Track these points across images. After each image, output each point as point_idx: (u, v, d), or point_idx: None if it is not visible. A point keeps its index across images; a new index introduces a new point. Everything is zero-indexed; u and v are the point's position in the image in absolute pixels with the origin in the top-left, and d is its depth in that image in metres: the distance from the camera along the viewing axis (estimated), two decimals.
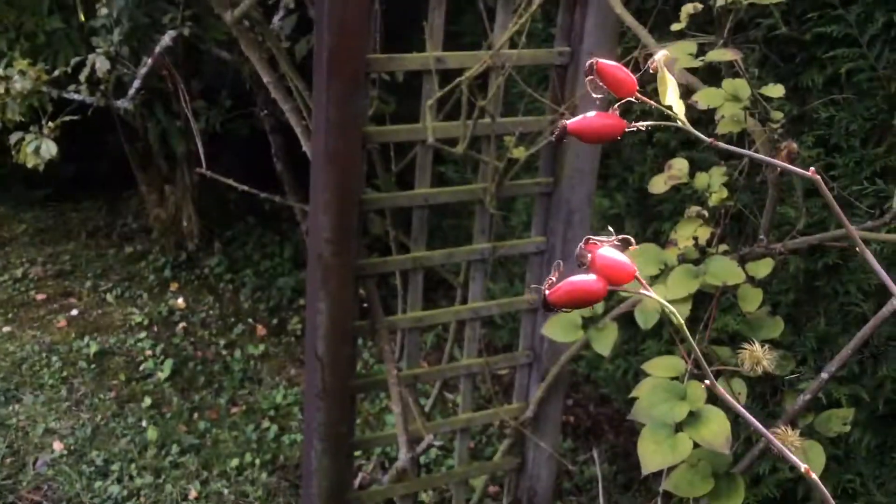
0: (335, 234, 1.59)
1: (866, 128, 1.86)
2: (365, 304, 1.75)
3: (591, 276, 0.54)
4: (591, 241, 0.56)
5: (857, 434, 1.89)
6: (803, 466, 0.57)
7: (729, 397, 0.55)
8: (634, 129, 0.59)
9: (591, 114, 0.59)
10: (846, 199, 1.91)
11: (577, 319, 1.53)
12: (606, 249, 0.56)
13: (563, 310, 0.55)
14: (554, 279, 0.56)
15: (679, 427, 1.21)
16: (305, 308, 1.78)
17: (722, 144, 0.60)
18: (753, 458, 1.47)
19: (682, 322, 0.53)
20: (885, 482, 1.89)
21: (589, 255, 0.56)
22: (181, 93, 2.15)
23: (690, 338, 0.55)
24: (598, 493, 1.99)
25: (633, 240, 0.56)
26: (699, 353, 0.58)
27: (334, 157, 1.53)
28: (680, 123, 0.59)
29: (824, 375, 1.38)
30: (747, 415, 0.55)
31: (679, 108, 0.58)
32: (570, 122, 0.60)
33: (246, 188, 1.91)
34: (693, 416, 1.21)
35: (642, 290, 0.56)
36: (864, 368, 1.89)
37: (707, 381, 0.56)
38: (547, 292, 0.55)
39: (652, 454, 1.16)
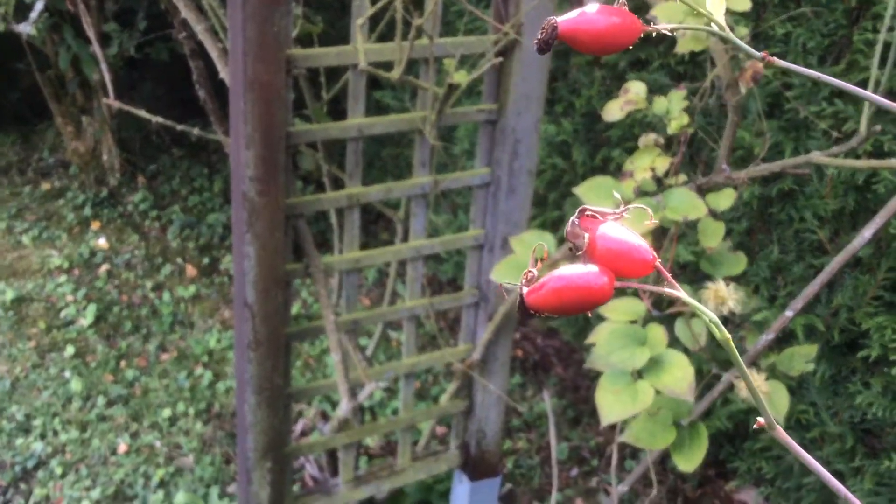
0: (260, 171, 1.44)
1: (824, 45, 1.76)
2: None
3: (590, 268, 0.39)
4: (587, 213, 0.40)
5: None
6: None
7: (795, 446, 0.43)
8: (653, 31, 0.43)
9: (592, 6, 0.41)
10: (803, 121, 1.82)
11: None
12: (612, 226, 0.40)
13: (545, 316, 0.39)
14: (534, 271, 0.39)
15: (639, 374, 1.12)
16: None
17: (780, 62, 0.47)
18: (712, 401, 1.40)
19: (729, 338, 0.40)
20: (838, 412, 1.86)
21: (586, 236, 0.39)
22: (84, 14, 1.94)
23: (738, 356, 0.42)
24: (549, 431, 1.92)
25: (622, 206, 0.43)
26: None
27: (255, 84, 1.36)
28: (716, 28, 0.45)
29: (789, 314, 1.30)
30: (812, 461, 0.43)
31: (718, 10, 0.44)
32: (564, 20, 0.42)
33: (161, 119, 1.73)
34: (654, 362, 1.12)
35: (669, 289, 0.40)
36: (819, 297, 1.84)
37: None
38: (525, 291, 0.39)
39: (611, 404, 1.07)
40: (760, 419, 0.42)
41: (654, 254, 0.40)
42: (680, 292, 0.40)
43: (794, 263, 1.90)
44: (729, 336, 0.40)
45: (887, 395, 1.73)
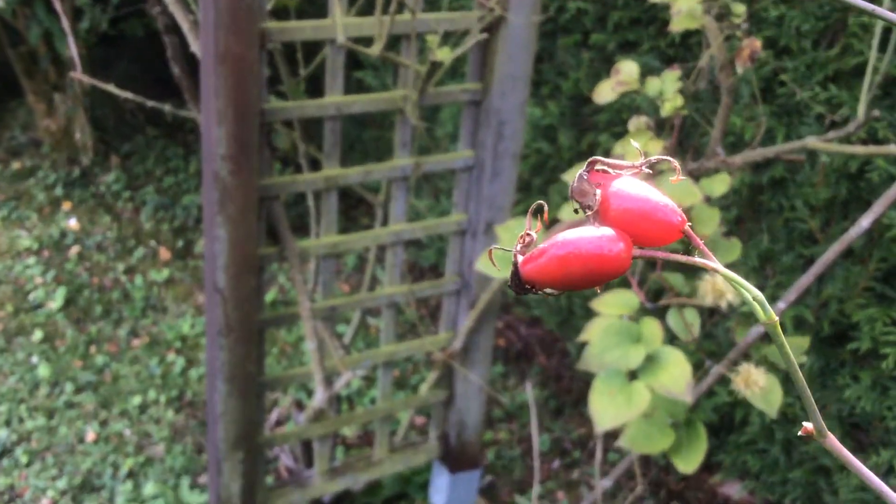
0: (233, 150, 1.37)
1: (819, 28, 1.71)
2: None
3: (603, 230, 0.32)
4: (599, 165, 0.34)
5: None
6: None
7: (846, 453, 0.38)
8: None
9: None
10: (795, 106, 1.77)
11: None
12: (630, 181, 0.33)
13: (547, 292, 0.32)
14: (533, 234, 0.33)
15: (633, 374, 1.07)
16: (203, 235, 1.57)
17: None
18: (700, 394, 1.35)
19: (774, 315, 0.33)
20: (826, 405, 1.82)
21: (597, 192, 0.33)
22: None
23: (797, 368, 0.36)
24: (531, 422, 1.87)
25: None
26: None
27: (227, 58, 1.29)
28: None
29: (781, 305, 1.26)
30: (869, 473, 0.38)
31: None
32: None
33: (130, 95, 1.65)
34: (650, 361, 1.06)
35: (701, 260, 0.33)
36: (809, 289, 1.79)
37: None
38: (520, 259, 0.33)
39: (605, 407, 1.01)
40: (807, 424, 0.37)
41: (683, 216, 0.33)
42: (716, 264, 0.33)
43: (784, 253, 1.85)
44: (777, 319, 0.34)
45: (876, 388, 1.69)
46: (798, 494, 1.92)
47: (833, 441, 0.36)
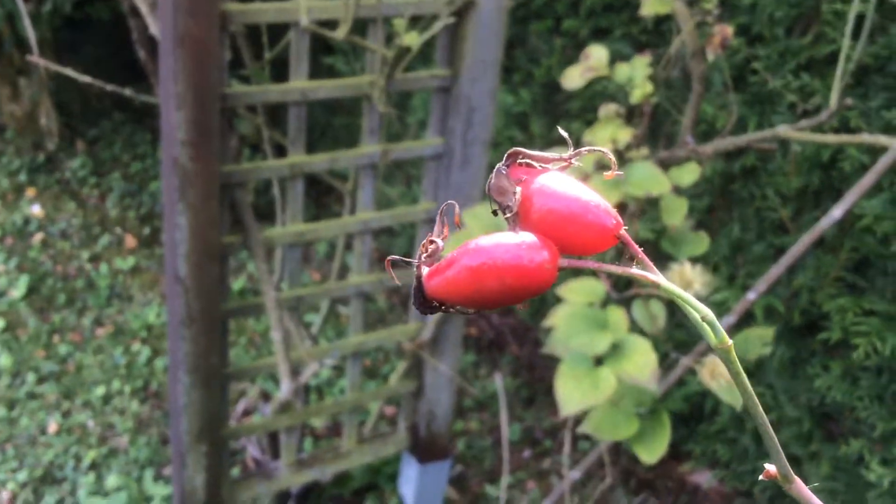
0: (193, 135, 1.33)
1: (792, 15, 1.70)
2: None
3: (524, 237, 0.28)
4: (521, 158, 0.29)
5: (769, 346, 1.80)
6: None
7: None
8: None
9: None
10: (767, 95, 1.76)
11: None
12: (557, 177, 0.29)
13: (459, 310, 0.28)
14: (438, 241, 0.29)
15: (600, 360, 1.05)
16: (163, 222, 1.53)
17: None
18: (669, 386, 1.34)
19: (727, 339, 0.31)
20: (796, 395, 1.81)
21: (517, 190, 0.29)
22: None
23: (745, 379, 0.33)
24: (500, 412, 1.85)
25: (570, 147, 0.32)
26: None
27: (186, 40, 1.25)
28: None
29: (751, 296, 1.24)
30: None
31: None
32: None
33: (90, 79, 1.60)
34: (615, 348, 1.04)
35: (638, 271, 0.29)
36: (780, 278, 1.79)
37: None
38: (424, 272, 0.28)
39: (570, 392, 1.00)
40: (769, 467, 0.34)
41: (619, 218, 0.29)
42: (659, 276, 0.30)
43: (755, 242, 1.84)
44: (730, 343, 0.31)
45: (846, 379, 1.68)
46: (768, 483, 1.92)
47: (800, 486, 0.33)
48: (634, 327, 1.13)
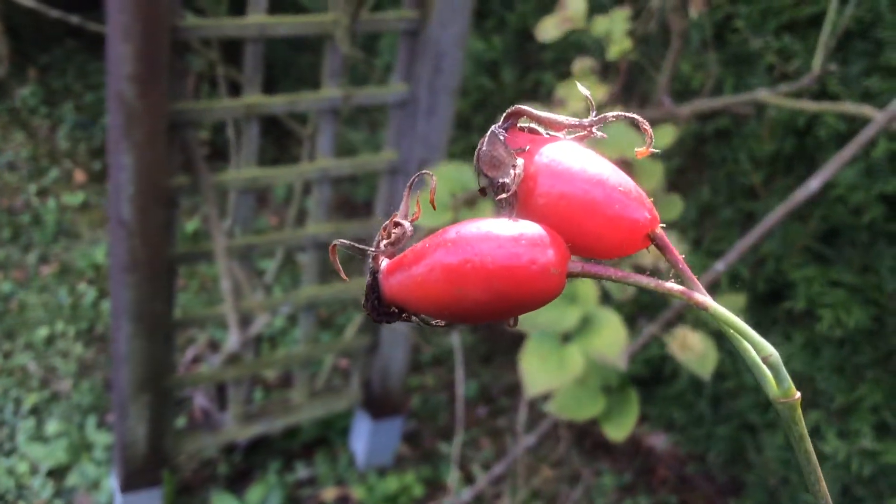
0: (140, 70, 1.24)
1: None
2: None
3: (524, 228, 0.21)
4: (524, 119, 0.21)
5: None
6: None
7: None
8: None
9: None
10: (745, 56, 1.70)
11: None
12: (569, 148, 0.21)
13: (425, 321, 0.21)
14: (405, 224, 0.22)
15: (568, 336, 1.00)
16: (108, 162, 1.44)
17: None
18: (633, 354, 1.30)
19: (794, 390, 0.24)
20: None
21: (518, 164, 0.21)
22: None
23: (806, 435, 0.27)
24: (455, 368, 1.81)
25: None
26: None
27: None
28: None
29: (720, 267, 1.20)
30: None
31: None
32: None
33: (32, 4, 1.49)
34: (585, 323, 0.99)
35: (680, 288, 0.22)
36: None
37: None
38: (383, 264, 0.21)
39: (537, 371, 0.94)
40: None
41: (654, 212, 0.22)
42: (707, 298, 0.23)
43: (724, 207, 1.80)
44: (797, 396, 0.25)
45: (808, 349, 1.66)
46: (722, 449, 1.91)
47: None
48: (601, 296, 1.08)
